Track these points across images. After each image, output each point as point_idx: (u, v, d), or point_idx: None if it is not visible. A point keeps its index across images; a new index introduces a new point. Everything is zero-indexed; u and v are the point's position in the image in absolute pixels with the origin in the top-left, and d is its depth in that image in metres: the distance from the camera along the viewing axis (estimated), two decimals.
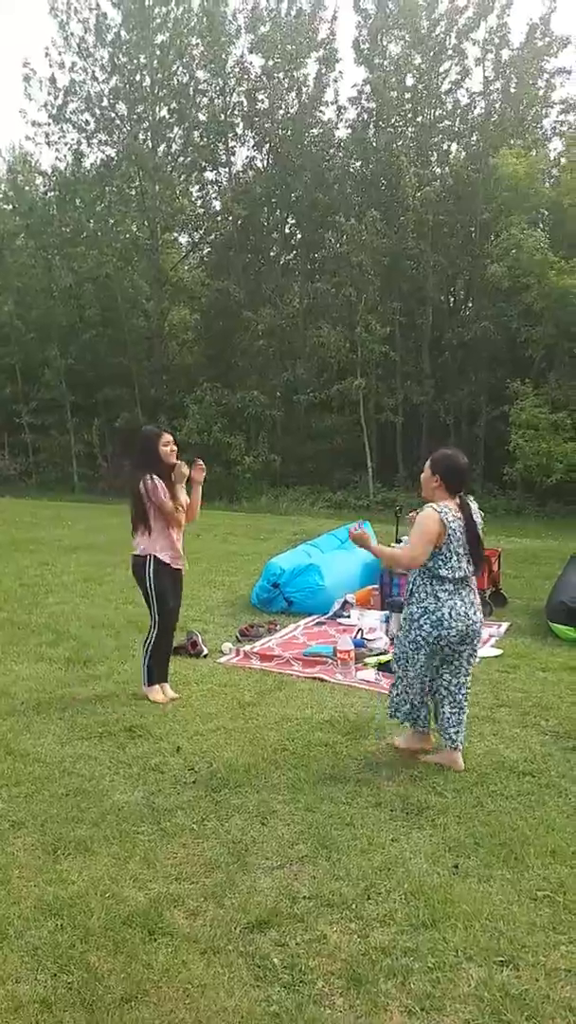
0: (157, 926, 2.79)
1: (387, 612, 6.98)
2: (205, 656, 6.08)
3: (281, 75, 21.18)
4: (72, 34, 22.04)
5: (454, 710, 4.14)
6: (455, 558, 4.00)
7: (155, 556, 4.99)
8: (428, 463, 4.14)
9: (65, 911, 2.87)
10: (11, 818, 3.54)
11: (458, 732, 4.14)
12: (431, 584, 4.03)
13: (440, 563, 3.99)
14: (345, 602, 7.40)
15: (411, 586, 4.15)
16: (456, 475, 4.10)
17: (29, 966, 2.61)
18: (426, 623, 4.02)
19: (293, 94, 21.39)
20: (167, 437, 5.07)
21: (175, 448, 5.08)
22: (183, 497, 5.05)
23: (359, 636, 6.43)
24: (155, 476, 4.92)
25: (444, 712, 4.17)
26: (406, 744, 4.35)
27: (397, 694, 4.32)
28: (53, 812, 3.59)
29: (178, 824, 3.49)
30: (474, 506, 4.16)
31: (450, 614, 3.99)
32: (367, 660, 6.00)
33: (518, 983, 2.52)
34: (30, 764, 4.11)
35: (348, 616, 7.20)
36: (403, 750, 4.32)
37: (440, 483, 4.07)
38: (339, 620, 7.16)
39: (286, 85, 21.31)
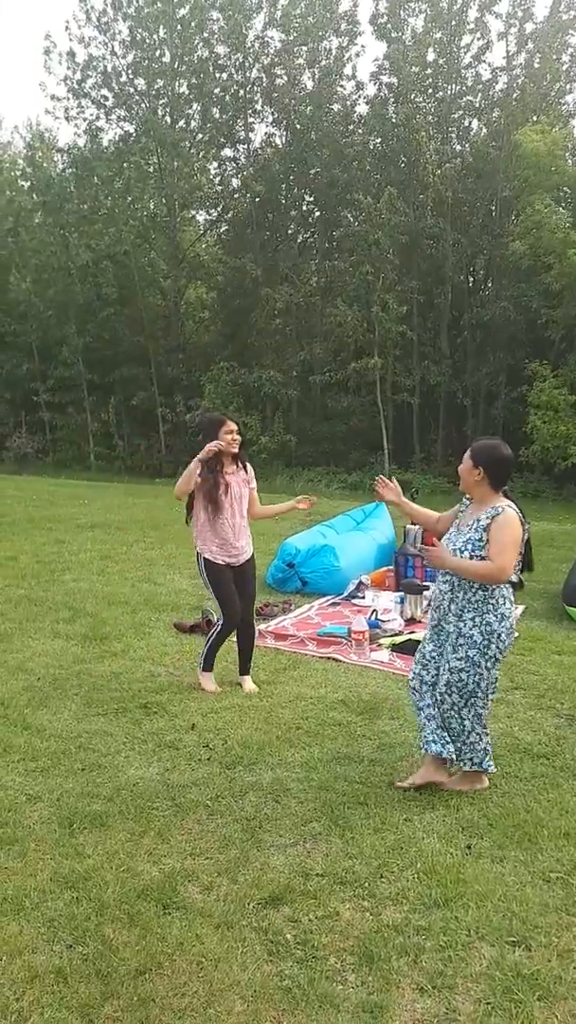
0: (171, 900, 2.82)
1: (401, 593, 6.98)
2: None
3: (304, 49, 20.92)
4: (92, 7, 21.85)
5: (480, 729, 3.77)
6: (518, 562, 3.65)
7: (201, 554, 4.84)
8: (469, 454, 3.68)
9: (81, 884, 2.90)
10: (28, 792, 3.58)
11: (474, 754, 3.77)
12: (504, 588, 3.61)
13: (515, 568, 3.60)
14: (360, 583, 7.40)
15: (468, 596, 3.59)
16: (502, 468, 3.66)
17: (45, 937, 2.64)
18: (503, 632, 3.58)
19: (313, 69, 21.14)
20: (230, 425, 4.78)
21: (238, 438, 4.81)
22: (243, 497, 4.87)
23: (374, 617, 6.43)
24: (198, 460, 4.69)
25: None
26: (463, 785, 3.73)
27: (469, 732, 3.67)
28: (69, 787, 3.63)
29: (193, 800, 3.52)
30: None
31: (511, 617, 3.67)
32: (381, 641, 6.00)
33: (530, 963, 2.53)
34: (46, 739, 4.15)
35: (363, 597, 7.20)
36: (468, 791, 3.72)
37: (483, 477, 3.62)
38: (354, 601, 7.16)
39: (306, 60, 21.06)
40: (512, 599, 3.65)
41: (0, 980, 2.44)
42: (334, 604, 7.15)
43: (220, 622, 4.95)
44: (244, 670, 5.09)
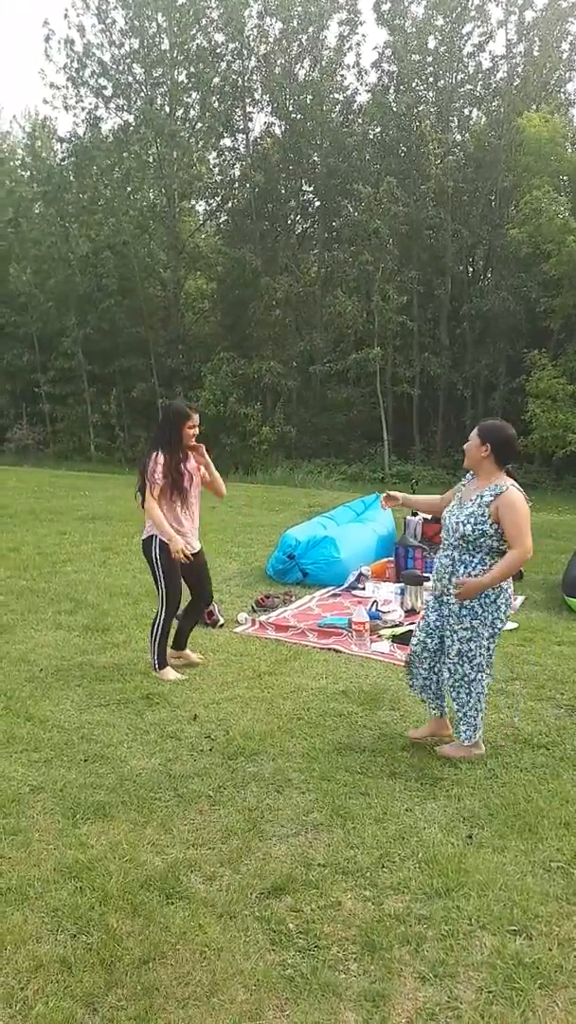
0: (174, 890, 2.84)
1: (402, 584, 6.98)
2: (221, 626, 6.11)
3: (304, 38, 20.79)
4: None
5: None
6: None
7: (156, 537, 4.88)
8: (476, 431, 3.85)
9: (84, 874, 2.92)
10: (31, 783, 3.60)
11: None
12: (498, 560, 3.76)
13: (503, 540, 3.76)
14: (360, 574, 7.41)
15: (470, 569, 3.77)
16: (509, 447, 3.82)
17: (49, 927, 2.66)
18: (502, 603, 3.80)
19: (313, 58, 21.00)
20: (194, 419, 4.90)
21: (197, 432, 4.94)
22: (196, 484, 4.99)
23: (374, 608, 6.44)
24: (163, 453, 4.81)
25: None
26: (463, 753, 3.93)
27: (471, 707, 3.87)
28: (72, 777, 3.65)
29: (195, 791, 3.54)
30: None
31: (509, 593, 3.85)
32: (382, 632, 6.01)
33: (531, 952, 2.55)
34: (49, 730, 4.16)
35: (363, 588, 7.20)
36: (458, 756, 3.92)
37: (490, 454, 3.78)
38: (354, 592, 7.17)
39: (307, 47, 20.92)
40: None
41: (5, 969, 2.46)
42: (335, 595, 7.16)
43: (163, 611, 4.96)
44: (182, 644, 5.23)
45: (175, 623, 5.15)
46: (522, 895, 2.82)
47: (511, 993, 2.38)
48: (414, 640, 4.09)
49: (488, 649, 3.85)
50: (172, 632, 5.14)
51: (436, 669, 4.01)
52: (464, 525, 3.75)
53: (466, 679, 3.85)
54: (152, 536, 4.91)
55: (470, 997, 2.37)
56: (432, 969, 2.48)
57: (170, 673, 5.01)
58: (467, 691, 3.86)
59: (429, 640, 3.98)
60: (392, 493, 4.38)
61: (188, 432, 4.89)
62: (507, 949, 2.56)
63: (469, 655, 3.81)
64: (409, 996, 2.38)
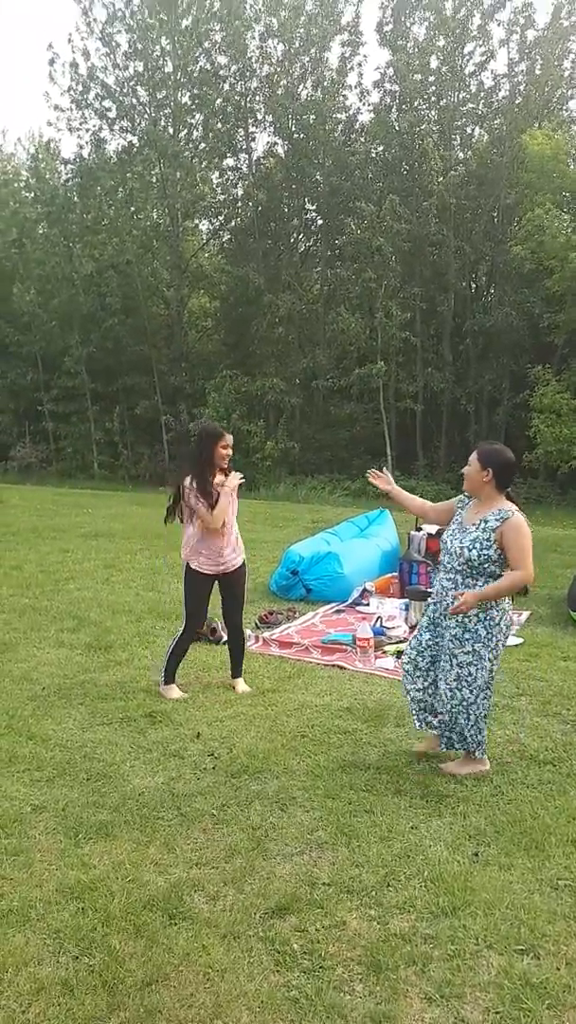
0: (177, 910, 2.81)
1: (406, 600, 6.96)
2: (225, 642, 6.08)
3: (306, 59, 21.01)
4: (95, 20, 21.97)
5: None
6: None
7: (188, 563, 4.91)
8: (476, 456, 3.85)
9: (87, 895, 2.89)
10: (33, 802, 3.57)
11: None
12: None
13: (505, 566, 3.78)
14: (364, 590, 7.39)
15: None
16: (509, 471, 3.85)
17: (51, 948, 2.63)
18: (504, 625, 3.82)
19: (315, 78, 21.21)
20: (227, 439, 4.86)
21: (231, 453, 4.91)
22: (224, 501, 4.85)
23: (378, 624, 6.42)
24: (195, 476, 4.76)
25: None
26: (468, 769, 3.94)
27: (474, 723, 3.86)
28: (74, 797, 3.62)
29: (198, 810, 3.51)
30: None
31: (509, 613, 3.89)
32: (386, 648, 5.99)
33: (539, 972, 2.51)
34: (51, 749, 4.14)
35: (367, 604, 7.18)
36: (461, 774, 3.92)
37: (491, 479, 3.79)
38: (358, 608, 7.15)
39: (309, 68, 21.13)
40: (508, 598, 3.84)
41: (6, 992, 2.43)
42: (339, 611, 7.14)
43: (182, 631, 5.01)
44: (236, 673, 5.17)
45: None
46: (529, 914, 2.79)
47: (519, 1014, 2.35)
48: (405, 658, 4.09)
49: (490, 672, 3.82)
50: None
51: (430, 688, 3.99)
52: (469, 551, 3.74)
53: (465, 703, 3.82)
54: (187, 562, 4.92)
55: (477, 1018, 2.34)
56: (438, 989, 2.44)
57: (173, 691, 4.98)
58: (466, 715, 3.84)
59: (420, 659, 3.99)
60: (383, 473, 4.27)
61: (221, 452, 4.82)
62: (514, 969, 2.52)
63: (469, 679, 3.79)
64: (415, 1017, 2.34)
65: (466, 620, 3.75)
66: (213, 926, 2.73)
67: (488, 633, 3.75)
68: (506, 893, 2.90)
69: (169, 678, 5.01)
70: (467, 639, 3.76)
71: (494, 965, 2.55)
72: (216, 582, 5.00)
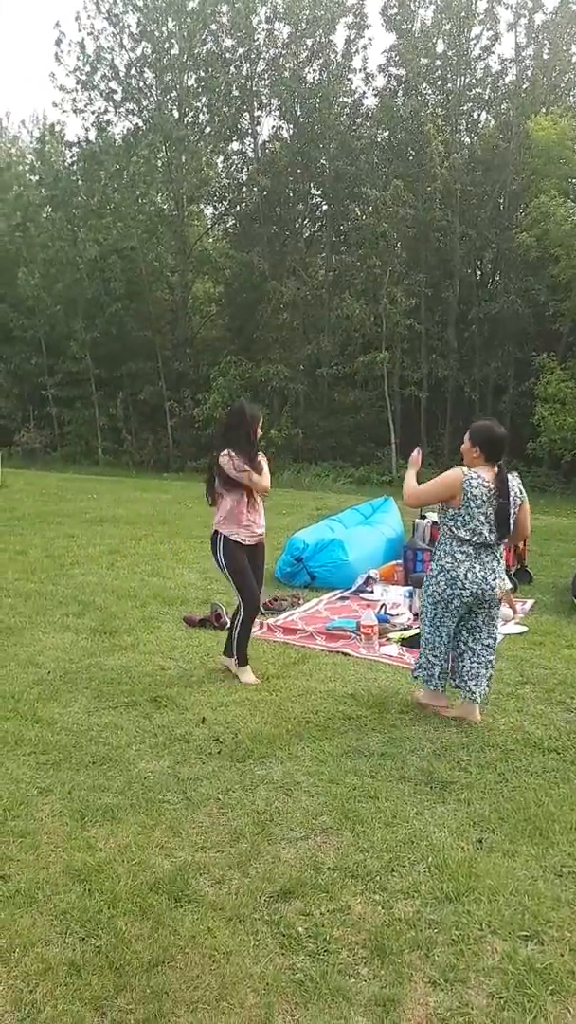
0: (183, 893, 2.83)
1: (410, 587, 6.96)
2: (228, 628, 6.09)
3: (310, 42, 20.83)
4: None
5: (473, 662, 4.40)
6: (474, 522, 4.18)
7: (222, 533, 4.97)
8: (468, 433, 4.30)
9: (93, 877, 2.91)
10: (39, 785, 3.59)
11: (476, 684, 4.36)
12: (451, 544, 4.27)
13: (459, 524, 4.22)
14: (368, 577, 7.39)
15: (436, 545, 4.44)
16: (493, 445, 4.23)
17: (58, 930, 2.65)
18: (442, 580, 4.26)
19: (320, 61, 21.03)
20: (260, 419, 5.08)
21: (260, 433, 5.12)
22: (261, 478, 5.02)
23: (383, 611, 6.42)
24: (235, 452, 4.87)
25: (464, 665, 4.43)
26: (425, 700, 4.56)
27: (420, 652, 4.55)
28: (80, 780, 3.64)
29: (203, 794, 3.52)
30: (514, 481, 4.27)
31: (465, 575, 4.21)
32: (391, 635, 6.00)
33: (542, 957, 2.53)
34: (57, 733, 4.16)
35: (371, 591, 7.19)
36: (424, 705, 4.55)
37: (480, 453, 4.23)
38: (362, 595, 7.15)
39: (315, 51, 20.95)
40: (471, 565, 4.22)
41: (14, 972, 2.45)
42: (343, 598, 7.14)
43: (243, 609, 5.03)
44: (230, 651, 5.19)
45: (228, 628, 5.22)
46: (533, 900, 2.80)
47: (523, 999, 2.36)
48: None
49: (431, 611, 4.37)
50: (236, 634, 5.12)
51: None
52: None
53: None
54: (216, 532, 5.00)
55: (481, 1003, 2.35)
56: (443, 974, 2.46)
57: (249, 674, 5.00)
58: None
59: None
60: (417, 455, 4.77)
61: (259, 431, 5.06)
62: (518, 954, 2.54)
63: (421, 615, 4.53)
64: (420, 1001, 2.36)
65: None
66: (219, 909, 2.75)
67: (427, 581, 4.39)
68: (510, 879, 2.91)
69: (242, 660, 5.04)
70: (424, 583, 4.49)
71: (498, 950, 2.57)
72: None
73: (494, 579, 4.23)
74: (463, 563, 4.21)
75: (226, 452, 4.88)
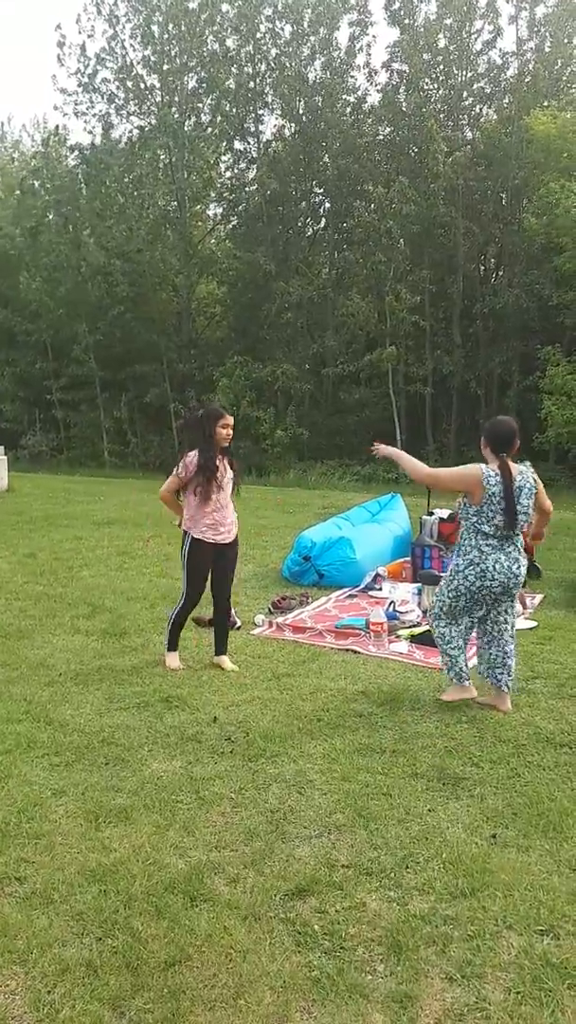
0: (198, 892, 2.83)
1: (419, 585, 6.96)
2: (238, 628, 6.11)
3: (313, 40, 20.82)
4: (103, 1, 21.78)
5: (498, 652, 4.50)
6: (497, 517, 4.26)
7: (191, 534, 5.10)
8: (483, 433, 4.45)
9: (108, 877, 2.91)
10: (53, 787, 3.60)
11: (503, 674, 4.46)
12: (476, 538, 4.33)
13: (482, 520, 4.29)
14: (377, 575, 7.39)
15: (458, 541, 4.46)
16: (497, 438, 4.35)
17: (74, 930, 2.66)
18: (470, 573, 4.32)
19: (324, 59, 21.02)
20: (227, 419, 5.08)
21: (231, 433, 5.11)
22: (228, 479, 5.15)
23: (391, 608, 6.42)
24: (198, 452, 5.00)
25: (492, 654, 4.52)
26: (453, 696, 4.57)
27: (441, 652, 4.58)
28: (93, 781, 3.65)
29: (216, 793, 3.53)
30: (521, 467, 4.37)
31: (494, 567, 4.29)
32: (400, 632, 5.99)
33: (559, 952, 2.52)
34: (69, 734, 4.17)
35: (380, 589, 7.18)
36: (451, 701, 4.55)
37: (488, 447, 4.37)
38: (371, 593, 7.15)
39: (318, 48, 20.94)
40: (497, 557, 4.29)
41: (31, 973, 2.46)
42: (351, 596, 7.15)
43: (182, 602, 5.21)
44: (220, 650, 5.31)
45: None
46: (548, 895, 2.80)
47: (540, 994, 2.36)
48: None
49: (448, 604, 4.45)
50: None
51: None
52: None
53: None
54: (185, 532, 5.12)
55: (499, 998, 2.35)
56: (459, 970, 2.46)
57: (174, 660, 5.20)
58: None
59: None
60: (380, 447, 4.82)
61: (221, 431, 5.03)
62: (534, 949, 2.53)
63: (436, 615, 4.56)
64: (437, 997, 2.36)
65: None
66: (234, 908, 2.76)
67: (452, 577, 4.42)
68: (525, 874, 2.91)
69: (172, 646, 5.24)
70: (444, 580, 4.52)
71: (514, 945, 2.56)
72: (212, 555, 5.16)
73: (519, 568, 4.35)
74: (490, 555, 4.30)
75: (193, 453, 5.03)
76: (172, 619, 5.26)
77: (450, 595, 4.43)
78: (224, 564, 5.24)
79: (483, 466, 4.29)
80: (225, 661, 5.25)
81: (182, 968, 2.47)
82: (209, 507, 5.04)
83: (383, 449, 4.76)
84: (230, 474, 5.18)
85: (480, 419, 19.38)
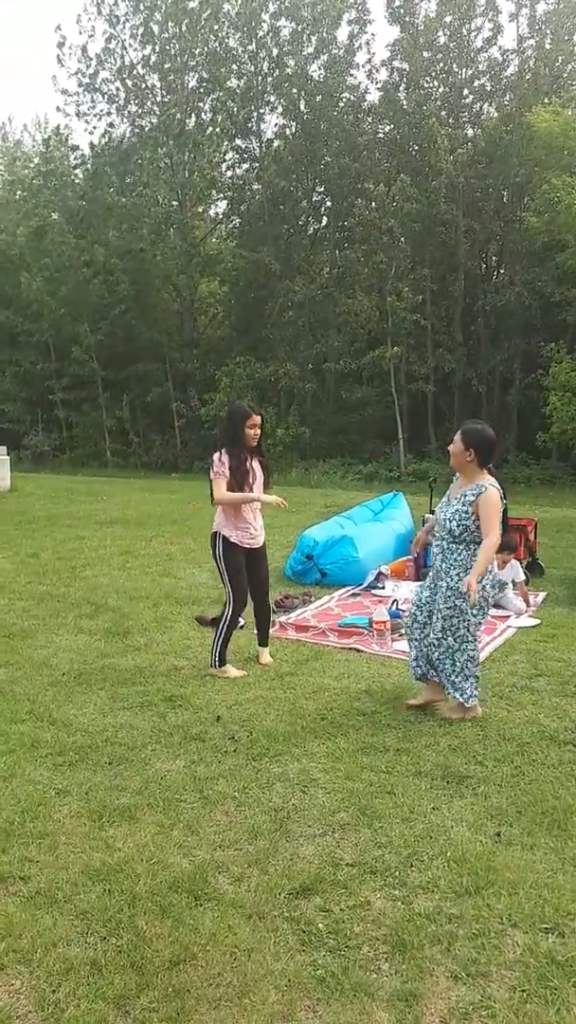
0: (203, 891, 2.83)
1: (422, 583, 6.94)
2: (242, 627, 6.09)
3: (314, 38, 20.81)
4: (103, 1, 21.77)
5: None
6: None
7: (222, 534, 5.02)
8: (459, 436, 4.27)
9: (112, 877, 2.91)
10: (56, 786, 3.60)
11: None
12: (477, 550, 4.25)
13: (482, 532, 4.25)
14: (379, 573, 7.38)
15: (455, 556, 4.25)
16: (490, 449, 4.29)
17: (79, 930, 2.66)
18: (488, 584, 4.24)
19: (324, 58, 21.00)
20: (255, 419, 4.98)
21: (259, 432, 5.03)
22: (259, 482, 5.08)
23: (394, 607, 6.41)
24: (226, 451, 4.92)
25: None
26: (479, 712, 4.38)
27: (469, 674, 4.30)
28: (97, 780, 3.65)
29: (220, 792, 3.53)
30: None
31: (493, 575, 4.35)
32: (403, 631, 5.97)
33: (564, 950, 2.52)
34: (73, 734, 4.17)
35: (383, 587, 7.18)
36: (417, 706, 4.49)
37: (474, 457, 4.23)
38: (373, 591, 7.15)
39: (318, 47, 20.93)
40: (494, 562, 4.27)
41: (36, 972, 2.46)
42: (354, 595, 7.14)
43: (230, 609, 5.09)
44: (263, 641, 5.36)
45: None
46: (553, 893, 2.79)
47: (545, 992, 2.35)
48: (407, 613, 4.68)
49: (471, 622, 4.26)
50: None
51: (425, 640, 4.44)
52: (450, 522, 4.24)
53: (450, 650, 4.28)
54: (216, 533, 5.04)
55: (504, 996, 2.35)
56: (464, 968, 2.46)
57: (231, 671, 5.07)
58: (452, 662, 4.29)
59: (419, 613, 4.47)
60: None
61: (248, 432, 4.96)
62: (539, 947, 2.53)
63: (452, 629, 4.26)
64: (442, 996, 2.36)
65: (449, 580, 4.24)
66: (238, 907, 2.75)
67: (480, 589, 4.18)
68: (529, 872, 2.91)
69: (221, 659, 5.09)
70: (449, 596, 4.24)
71: (519, 944, 2.56)
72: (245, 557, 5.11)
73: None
74: (495, 566, 4.39)
75: (219, 452, 4.96)
76: (222, 632, 5.06)
77: (479, 613, 4.30)
78: (259, 566, 5.18)
79: (492, 484, 4.19)
80: (264, 654, 5.31)
81: (187, 967, 2.47)
82: (241, 510, 5.00)
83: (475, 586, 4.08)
84: (261, 477, 5.10)
85: (483, 417, 19.37)
